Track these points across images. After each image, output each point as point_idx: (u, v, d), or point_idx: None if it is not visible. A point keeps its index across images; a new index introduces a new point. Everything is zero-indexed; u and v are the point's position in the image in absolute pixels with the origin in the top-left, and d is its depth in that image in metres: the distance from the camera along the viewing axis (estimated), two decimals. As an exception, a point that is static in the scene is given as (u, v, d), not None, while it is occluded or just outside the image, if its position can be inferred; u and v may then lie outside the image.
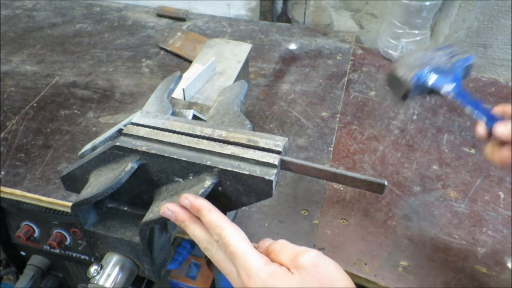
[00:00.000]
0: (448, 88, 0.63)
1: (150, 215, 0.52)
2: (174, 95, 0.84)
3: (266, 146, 0.51)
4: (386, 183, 0.48)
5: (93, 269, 0.57)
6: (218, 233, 0.47)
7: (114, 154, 0.54)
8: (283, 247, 0.47)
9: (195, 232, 0.50)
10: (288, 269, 0.44)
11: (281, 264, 0.45)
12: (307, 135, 0.93)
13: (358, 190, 0.83)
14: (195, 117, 0.68)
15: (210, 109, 0.66)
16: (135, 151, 0.53)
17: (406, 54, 0.68)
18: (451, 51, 0.67)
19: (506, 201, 0.81)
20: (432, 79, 0.63)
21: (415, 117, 1.00)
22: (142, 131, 0.54)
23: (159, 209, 0.51)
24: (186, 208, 0.50)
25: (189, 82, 0.83)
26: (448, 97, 0.62)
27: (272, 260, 0.46)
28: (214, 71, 0.92)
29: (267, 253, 0.48)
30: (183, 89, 0.82)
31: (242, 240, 0.46)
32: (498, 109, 0.61)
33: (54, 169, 0.85)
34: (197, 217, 0.50)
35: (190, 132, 0.54)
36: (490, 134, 0.60)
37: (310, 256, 0.44)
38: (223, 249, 0.47)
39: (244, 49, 0.99)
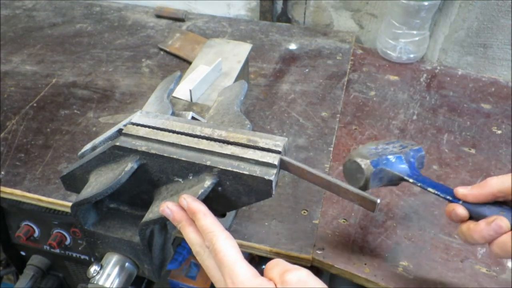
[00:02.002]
0: (406, 172, 0.63)
1: (150, 215, 0.52)
2: (180, 96, 0.84)
3: (266, 146, 0.51)
4: (378, 201, 0.48)
5: (93, 269, 0.57)
6: (210, 239, 0.47)
7: (114, 154, 0.54)
8: (277, 264, 0.47)
9: (189, 234, 0.50)
10: (275, 285, 0.44)
11: (270, 279, 0.45)
12: (307, 135, 0.93)
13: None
14: (193, 119, 0.68)
15: (210, 109, 0.66)
16: (135, 151, 0.53)
17: (359, 148, 0.67)
18: (400, 144, 0.69)
19: (506, 201, 0.81)
20: (391, 164, 0.63)
21: (415, 117, 1.00)
22: (142, 131, 0.54)
23: (160, 207, 0.51)
24: (184, 209, 0.50)
25: (196, 83, 0.83)
26: (409, 181, 0.62)
27: (265, 276, 0.46)
28: (220, 72, 0.92)
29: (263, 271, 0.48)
30: (190, 90, 0.82)
31: (232, 248, 0.46)
32: (459, 191, 0.58)
33: (54, 169, 0.85)
34: (193, 220, 0.50)
35: (190, 132, 0.54)
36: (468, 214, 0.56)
37: (298, 274, 0.44)
38: (213, 255, 0.47)
39: (244, 49, 0.99)
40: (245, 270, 0.45)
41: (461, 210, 0.55)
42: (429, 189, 0.60)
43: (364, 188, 0.62)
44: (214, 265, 0.47)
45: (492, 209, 0.53)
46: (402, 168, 0.63)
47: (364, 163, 0.61)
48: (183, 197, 0.49)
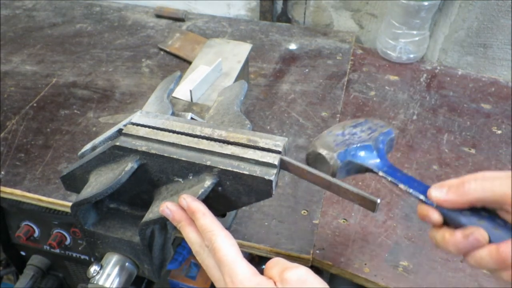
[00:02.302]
0: (376, 164, 0.57)
1: (150, 215, 0.52)
2: (181, 96, 0.84)
3: (266, 146, 0.51)
4: (378, 201, 0.47)
5: (92, 269, 0.57)
6: (209, 238, 0.47)
7: (114, 154, 0.54)
8: (276, 263, 0.47)
9: (189, 234, 0.50)
10: (275, 283, 0.44)
11: (269, 278, 0.45)
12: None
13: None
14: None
15: (210, 109, 0.66)
16: (135, 151, 0.53)
17: (323, 134, 0.62)
18: (369, 126, 0.62)
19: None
20: (359, 157, 0.57)
21: (415, 117, 1.00)
22: (142, 131, 0.54)
23: (159, 207, 0.51)
24: (184, 209, 0.50)
25: (196, 84, 0.83)
26: (378, 174, 0.55)
27: (265, 275, 0.46)
28: (220, 72, 0.92)
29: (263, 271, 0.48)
30: (191, 91, 0.82)
31: (232, 247, 0.46)
32: (433, 195, 0.50)
33: (54, 169, 0.85)
34: (193, 220, 0.50)
35: (190, 132, 0.54)
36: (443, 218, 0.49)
37: (298, 272, 0.44)
38: (212, 254, 0.47)
39: (244, 49, 0.99)
40: (244, 268, 0.44)
41: (435, 216, 0.48)
42: (400, 185, 0.53)
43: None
44: (214, 264, 0.47)
45: (469, 217, 0.47)
46: (371, 159, 0.57)
47: (330, 157, 0.56)
48: (183, 197, 0.50)
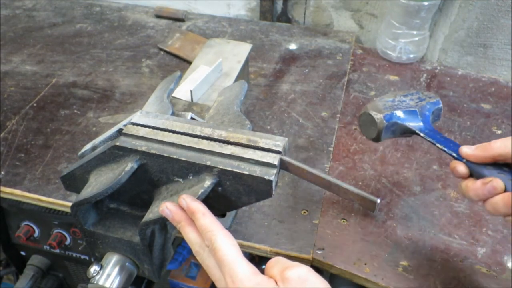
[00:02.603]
0: (419, 127, 0.66)
1: (150, 215, 0.52)
2: (181, 96, 0.84)
3: (266, 146, 0.51)
4: (378, 201, 0.48)
5: (92, 269, 0.57)
6: (209, 238, 0.47)
7: (114, 154, 0.54)
8: (277, 262, 0.47)
9: (188, 234, 0.50)
10: (276, 282, 0.44)
11: (270, 277, 0.45)
12: (307, 135, 0.93)
13: (358, 190, 0.83)
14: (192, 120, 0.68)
15: (210, 109, 0.66)
16: (135, 151, 0.53)
17: (376, 99, 0.70)
18: (419, 96, 0.71)
19: (506, 201, 0.81)
20: (404, 119, 0.66)
21: (415, 117, 1.00)
22: (142, 131, 0.54)
23: (159, 207, 0.51)
24: (184, 210, 0.50)
25: (196, 84, 0.83)
26: (419, 135, 0.65)
27: (265, 274, 0.46)
28: (221, 72, 0.92)
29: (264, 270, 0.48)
30: (191, 91, 0.82)
31: (232, 247, 0.46)
32: (463, 151, 0.61)
33: (54, 169, 0.85)
34: (192, 220, 0.50)
35: (190, 132, 0.54)
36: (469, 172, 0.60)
37: (299, 271, 0.44)
38: (212, 254, 0.47)
39: (244, 49, 0.99)
40: (245, 268, 0.44)
41: (462, 168, 0.58)
42: (438, 145, 0.62)
43: (377, 139, 0.66)
44: (214, 264, 0.47)
45: (491, 170, 0.56)
46: (415, 122, 0.66)
47: (378, 117, 0.65)
48: (183, 197, 0.50)
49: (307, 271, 0.44)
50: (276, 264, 0.46)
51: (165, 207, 0.50)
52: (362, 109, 0.70)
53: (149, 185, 0.55)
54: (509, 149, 0.54)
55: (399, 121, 0.66)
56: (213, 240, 0.47)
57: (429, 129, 0.66)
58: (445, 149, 0.62)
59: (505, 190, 0.55)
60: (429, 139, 0.64)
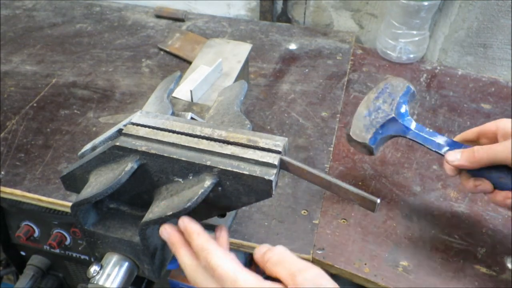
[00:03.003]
0: (402, 131, 0.70)
1: (150, 215, 0.52)
2: (181, 96, 0.84)
3: (266, 146, 0.51)
4: (378, 201, 0.48)
5: (93, 269, 0.57)
6: (205, 256, 0.45)
7: (114, 154, 0.54)
8: (282, 259, 0.44)
9: (183, 257, 0.48)
10: (284, 285, 0.42)
11: (276, 279, 0.42)
12: (307, 135, 0.93)
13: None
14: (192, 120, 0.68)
15: (210, 109, 0.66)
16: (135, 151, 0.53)
17: (354, 119, 0.74)
18: (389, 93, 0.73)
19: (506, 201, 0.81)
20: (386, 130, 0.71)
21: (415, 117, 1.00)
22: (142, 131, 0.54)
23: (159, 229, 0.50)
24: (182, 232, 0.49)
25: (196, 84, 0.83)
26: (406, 138, 0.70)
27: (268, 271, 0.44)
28: (221, 72, 0.92)
29: (263, 261, 0.45)
30: (191, 91, 0.82)
31: (231, 261, 0.44)
32: (458, 138, 0.67)
33: (54, 169, 0.85)
34: (188, 242, 0.49)
35: (190, 132, 0.54)
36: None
37: (312, 275, 0.41)
38: (211, 273, 0.44)
39: (244, 49, 0.99)
40: (248, 278, 0.42)
41: (448, 170, 0.64)
42: (423, 144, 0.68)
43: (371, 155, 0.73)
44: (213, 283, 0.44)
45: (481, 171, 0.61)
46: (397, 127, 0.70)
47: (364, 144, 0.70)
48: (181, 218, 0.49)
49: (319, 275, 0.42)
50: (281, 262, 0.44)
51: (164, 229, 0.50)
52: (346, 133, 0.73)
53: (149, 185, 0.55)
54: (492, 159, 0.57)
55: (384, 135, 0.70)
56: (209, 259, 0.44)
57: (413, 128, 0.70)
58: (433, 149, 0.66)
59: (495, 187, 0.60)
60: (414, 139, 0.69)
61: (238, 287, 0.41)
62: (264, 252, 0.46)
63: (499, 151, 0.57)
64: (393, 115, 0.70)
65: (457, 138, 0.69)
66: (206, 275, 0.45)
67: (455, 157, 0.61)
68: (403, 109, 0.71)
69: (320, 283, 0.41)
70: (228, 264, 0.44)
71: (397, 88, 0.73)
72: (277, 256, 0.45)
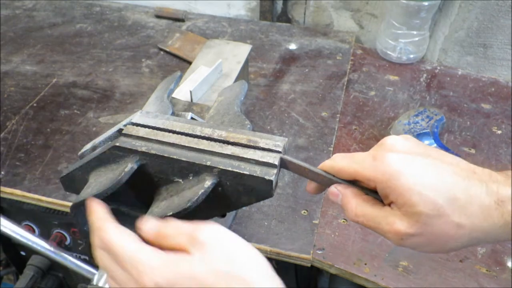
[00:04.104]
0: (430, 144, 0.85)
1: (149, 216, 0.52)
2: (181, 97, 0.84)
3: (266, 146, 0.51)
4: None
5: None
6: (100, 236, 0.41)
7: (114, 154, 0.54)
8: (177, 229, 0.40)
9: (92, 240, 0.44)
10: (188, 251, 0.38)
11: (178, 248, 0.39)
12: (307, 135, 0.93)
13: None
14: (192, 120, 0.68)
15: (210, 109, 0.66)
16: (134, 152, 0.53)
17: (395, 124, 0.92)
18: (427, 115, 0.92)
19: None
20: (420, 140, 0.81)
21: (415, 117, 1.00)
22: (142, 132, 0.54)
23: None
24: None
25: (196, 84, 0.83)
26: None
27: (168, 247, 0.40)
28: (221, 73, 0.92)
29: (158, 239, 0.41)
30: (191, 92, 0.82)
31: (128, 237, 0.41)
32: None
33: (54, 169, 0.85)
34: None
35: (190, 132, 0.54)
36: None
37: (210, 229, 0.38)
38: (110, 255, 0.40)
39: (243, 49, 0.99)
40: (147, 252, 0.38)
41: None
42: None
43: None
44: (116, 265, 0.40)
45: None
46: (428, 141, 0.86)
47: None
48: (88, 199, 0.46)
49: (218, 228, 0.39)
50: (177, 232, 0.40)
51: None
52: (385, 134, 0.89)
53: (149, 185, 0.55)
54: (356, 176, 0.45)
55: None
56: (103, 237, 0.41)
57: (439, 146, 0.86)
58: None
59: None
60: None
61: (135, 263, 0.38)
62: (157, 231, 0.42)
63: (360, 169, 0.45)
64: (428, 130, 0.88)
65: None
66: (108, 256, 0.41)
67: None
68: (436, 129, 0.89)
69: (221, 236, 0.39)
70: (124, 240, 0.40)
71: (433, 113, 0.92)
72: (172, 228, 0.41)
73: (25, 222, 0.92)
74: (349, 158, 0.45)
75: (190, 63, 1.05)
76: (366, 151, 0.45)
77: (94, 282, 0.70)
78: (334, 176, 0.48)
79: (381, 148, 0.44)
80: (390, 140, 0.44)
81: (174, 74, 0.73)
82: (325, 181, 0.50)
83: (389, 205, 0.42)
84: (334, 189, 0.46)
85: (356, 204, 0.44)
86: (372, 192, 0.45)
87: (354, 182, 0.46)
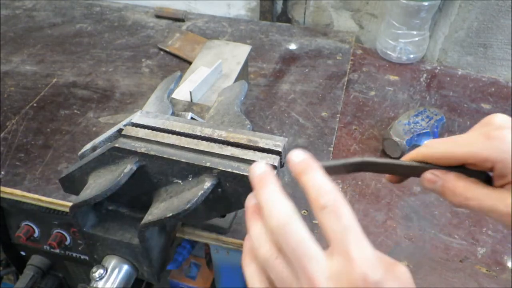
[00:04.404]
0: None
1: (149, 217, 0.52)
2: (181, 97, 0.84)
3: (266, 147, 0.51)
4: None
5: (97, 273, 0.56)
6: (332, 198, 0.34)
7: (113, 155, 0.54)
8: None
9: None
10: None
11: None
12: (307, 135, 0.93)
13: (358, 190, 0.83)
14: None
15: (210, 109, 0.66)
16: (134, 153, 0.53)
17: (395, 123, 0.90)
18: (427, 115, 0.92)
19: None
20: (420, 140, 0.87)
21: (415, 117, 1.00)
22: (142, 132, 0.54)
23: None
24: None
25: (196, 85, 0.83)
26: None
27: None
28: (221, 73, 0.92)
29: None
30: (190, 92, 0.82)
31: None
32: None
33: (54, 169, 0.85)
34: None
35: (190, 132, 0.54)
36: None
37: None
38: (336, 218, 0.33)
39: (243, 50, 0.99)
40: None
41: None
42: None
43: (400, 157, 0.77)
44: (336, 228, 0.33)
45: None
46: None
47: (400, 143, 0.86)
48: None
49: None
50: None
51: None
52: (385, 135, 0.89)
53: (148, 186, 0.55)
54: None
55: (417, 143, 0.86)
56: (337, 203, 0.34)
57: None
58: None
59: None
60: None
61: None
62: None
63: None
64: (428, 130, 0.88)
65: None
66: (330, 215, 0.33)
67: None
68: (436, 129, 0.89)
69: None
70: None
71: (434, 113, 0.92)
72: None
73: (25, 222, 0.92)
74: (451, 142, 0.43)
75: (190, 63, 1.05)
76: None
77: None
78: (426, 163, 0.45)
79: (491, 127, 0.42)
80: (499, 118, 0.42)
81: (174, 74, 0.73)
82: (329, 171, 0.47)
83: (503, 186, 0.41)
84: (431, 175, 0.43)
85: (465, 187, 0.42)
86: (478, 174, 0.42)
87: (456, 167, 0.43)
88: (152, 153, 0.52)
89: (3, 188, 0.82)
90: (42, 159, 0.87)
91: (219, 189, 0.51)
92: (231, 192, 0.51)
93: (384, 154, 0.91)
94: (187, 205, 0.48)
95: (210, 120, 0.62)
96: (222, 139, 0.52)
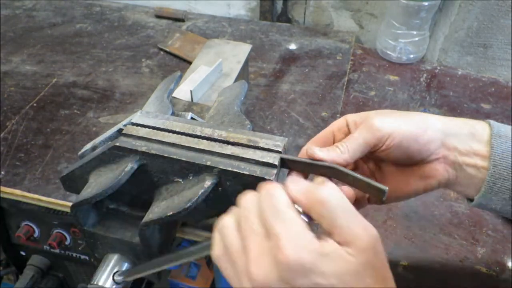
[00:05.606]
0: None
1: (150, 215, 0.52)
2: (181, 97, 0.84)
3: (266, 146, 0.51)
4: (387, 189, 0.47)
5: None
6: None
7: (114, 154, 0.54)
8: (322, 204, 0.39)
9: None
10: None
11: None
12: (307, 135, 0.93)
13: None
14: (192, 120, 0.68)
15: (210, 109, 0.66)
16: (134, 152, 0.53)
17: None
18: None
19: (506, 201, 0.81)
20: None
21: (415, 117, 1.00)
22: (142, 131, 0.54)
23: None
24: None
25: (196, 84, 0.83)
26: None
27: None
28: (221, 73, 0.92)
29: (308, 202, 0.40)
30: (191, 91, 0.82)
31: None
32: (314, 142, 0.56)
33: (54, 169, 0.85)
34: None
35: (190, 132, 0.54)
36: None
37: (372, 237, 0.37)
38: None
39: (243, 49, 0.99)
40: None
41: None
42: None
43: None
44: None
45: None
46: None
47: None
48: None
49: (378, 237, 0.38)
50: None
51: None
52: None
53: (149, 185, 0.55)
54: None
55: None
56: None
57: None
58: None
59: None
60: None
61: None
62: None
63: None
64: None
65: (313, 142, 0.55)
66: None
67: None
68: None
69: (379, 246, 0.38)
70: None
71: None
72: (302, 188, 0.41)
73: (25, 222, 0.91)
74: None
75: (190, 63, 1.05)
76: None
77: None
78: (340, 166, 0.46)
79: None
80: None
81: (174, 74, 0.73)
82: (326, 174, 0.48)
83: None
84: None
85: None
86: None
87: None
88: (152, 152, 0.52)
89: (3, 188, 0.82)
90: (42, 159, 0.87)
91: (220, 188, 0.51)
92: (232, 191, 0.51)
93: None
94: (187, 204, 0.48)
95: (210, 120, 0.62)
96: (222, 139, 0.53)
